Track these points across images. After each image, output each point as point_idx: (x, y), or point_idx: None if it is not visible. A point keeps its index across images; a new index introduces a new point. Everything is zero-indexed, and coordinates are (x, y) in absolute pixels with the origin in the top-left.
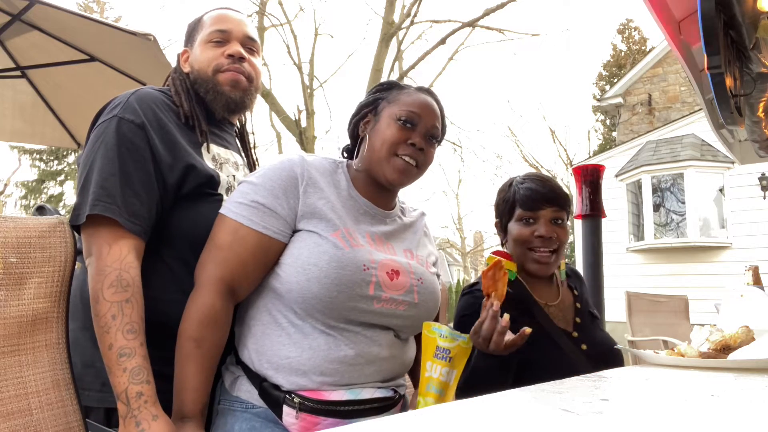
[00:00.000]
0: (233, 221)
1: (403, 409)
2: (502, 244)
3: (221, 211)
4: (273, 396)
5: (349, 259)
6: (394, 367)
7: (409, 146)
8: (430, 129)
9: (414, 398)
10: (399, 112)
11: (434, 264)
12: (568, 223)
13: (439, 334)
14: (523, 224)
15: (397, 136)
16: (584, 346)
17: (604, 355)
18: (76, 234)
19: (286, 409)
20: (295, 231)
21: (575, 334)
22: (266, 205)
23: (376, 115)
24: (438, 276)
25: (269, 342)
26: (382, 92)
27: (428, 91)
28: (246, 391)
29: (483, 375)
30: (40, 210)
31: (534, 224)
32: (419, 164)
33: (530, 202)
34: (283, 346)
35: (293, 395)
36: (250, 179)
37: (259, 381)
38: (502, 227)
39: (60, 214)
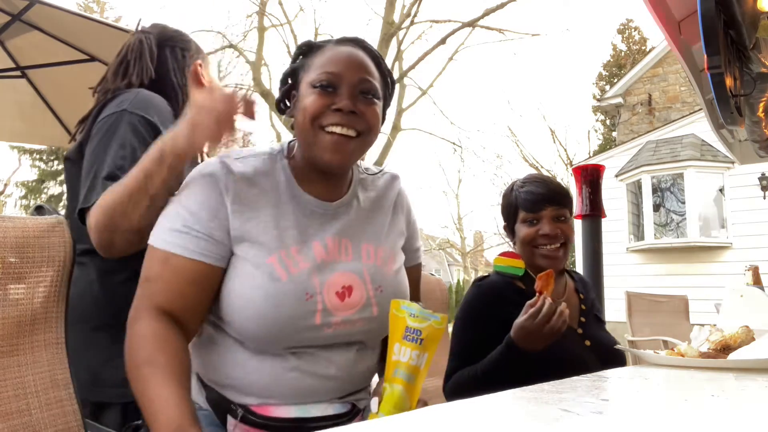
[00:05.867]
0: (162, 251)
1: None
2: (513, 246)
3: (149, 241)
4: (219, 404)
5: (288, 291)
6: (354, 380)
7: (335, 113)
8: (358, 84)
9: (379, 386)
10: (314, 77)
11: (406, 243)
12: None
13: (409, 313)
14: (527, 225)
15: (317, 104)
16: (588, 342)
17: (608, 353)
18: (73, 235)
19: (229, 418)
20: (232, 253)
21: (580, 330)
22: (199, 230)
23: (298, 88)
24: (419, 258)
25: (215, 357)
26: (300, 59)
27: (352, 41)
28: (194, 393)
29: (502, 370)
30: (39, 210)
31: (537, 224)
32: (359, 131)
33: (531, 204)
34: (227, 367)
35: (237, 406)
36: (177, 199)
37: (207, 388)
38: (510, 230)
39: (59, 214)
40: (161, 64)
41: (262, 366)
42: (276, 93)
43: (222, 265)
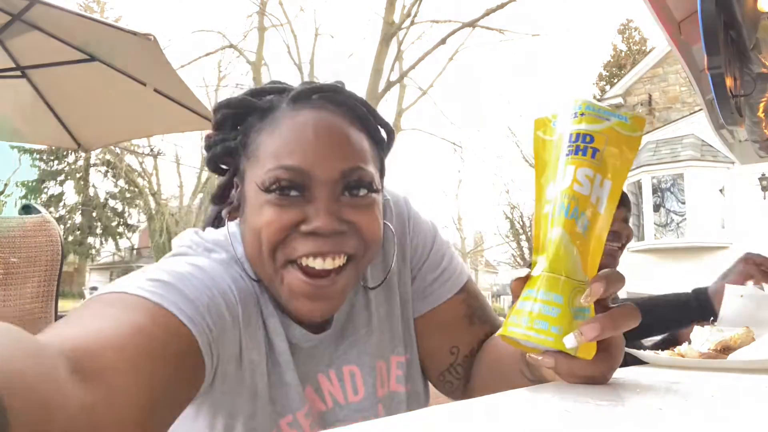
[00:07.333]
0: (111, 295)
1: None
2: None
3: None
4: None
5: None
6: None
7: (307, 238)
8: (341, 179)
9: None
10: (264, 176)
11: (418, 283)
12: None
13: (573, 114)
14: None
15: (276, 226)
16: None
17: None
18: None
19: None
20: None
21: None
22: (197, 300)
23: (243, 181)
24: (449, 291)
25: None
26: (237, 131)
27: (318, 93)
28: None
29: None
30: (26, 209)
31: None
32: (351, 254)
33: None
34: None
35: None
36: (157, 266)
37: None
38: None
39: (44, 213)
40: None
41: None
42: None
43: (202, 348)
